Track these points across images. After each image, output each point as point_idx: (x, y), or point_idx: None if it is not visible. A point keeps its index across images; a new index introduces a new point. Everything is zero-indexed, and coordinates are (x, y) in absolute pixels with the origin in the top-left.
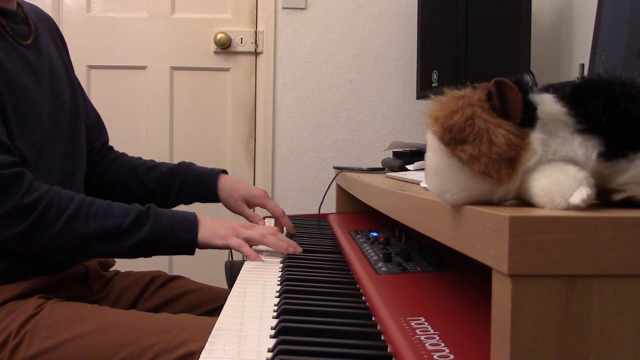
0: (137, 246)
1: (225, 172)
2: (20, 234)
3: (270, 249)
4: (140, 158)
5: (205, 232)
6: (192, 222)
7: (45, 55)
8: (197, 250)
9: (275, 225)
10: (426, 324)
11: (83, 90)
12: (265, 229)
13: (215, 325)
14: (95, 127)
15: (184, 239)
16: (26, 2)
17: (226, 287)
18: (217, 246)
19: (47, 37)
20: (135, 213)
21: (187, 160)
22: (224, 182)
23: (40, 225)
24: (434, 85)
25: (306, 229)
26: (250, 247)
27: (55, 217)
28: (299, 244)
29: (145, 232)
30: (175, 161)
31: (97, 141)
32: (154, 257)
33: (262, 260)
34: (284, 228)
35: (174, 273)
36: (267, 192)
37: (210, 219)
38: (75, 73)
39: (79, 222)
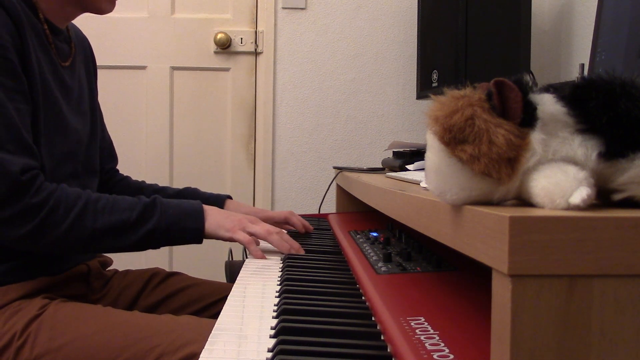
0: (145, 238)
1: (230, 197)
2: (30, 233)
3: (271, 247)
4: (144, 182)
5: (211, 222)
6: (198, 212)
7: (77, 77)
8: (196, 248)
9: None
10: (426, 324)
11: (102, 115)
12: (271, 227)
13: (215, 325)
14: (108, 151)
15: (192, 229)
16: (71, 22)
17: None
18: (223, 238)
19: (81, 59)
20: (142, 206)
21: (187, 161)
22: (229, 206)
23: (49, 223)
24: (434, 85)
25: None
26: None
27: (64, 215)
28: (299, 243)
29: (152, 224)
30: (175, 161)
31: (107, 164)
32: (152, 255)
33: (267, 259)
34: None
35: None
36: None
37: (217, 209)
38: None
39: (87, 219)
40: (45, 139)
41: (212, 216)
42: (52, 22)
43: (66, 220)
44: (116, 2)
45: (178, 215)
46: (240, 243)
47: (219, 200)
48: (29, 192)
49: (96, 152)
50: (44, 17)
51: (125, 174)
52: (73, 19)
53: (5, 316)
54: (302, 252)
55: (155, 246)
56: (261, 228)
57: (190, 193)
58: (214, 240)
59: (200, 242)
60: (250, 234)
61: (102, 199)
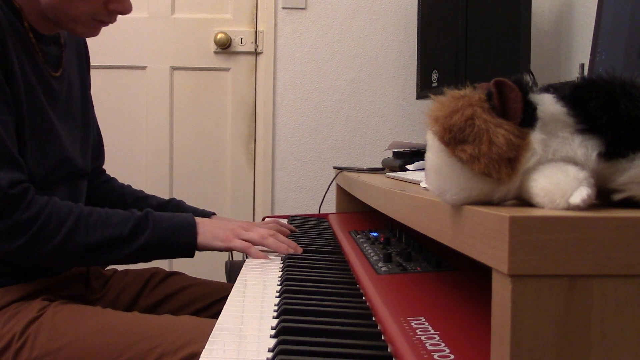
0: (137, 253)
1: (215, 214)
2: (21, 248)
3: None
4: (130, 186)
5: (205, 235)
6: (191, 226)
7: (66, 79)
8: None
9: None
10: (426, 324)
11: (94, 109)
12: (264, 230)
13: (215, 325)
14: (95, 148)
15: (184, 243)
16: None
17: None
18: (219, 249)
19: (72, 56)
20: (134, 220)
21: (187, 161)
22: None
23: (41, 238)
24: (434, 85)
25: (306, 229)
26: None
27: (55, 230)
28: (299, 244)
29: (145, 238)
30: (175, 161)
31: (93, 162)
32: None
33: (270, 258)
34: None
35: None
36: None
37: (209, 220)
38: None
39: (79, 233)
40: (33, 148)
41: (205, 228)
42: (38, 30)
43: (57, 235)
44: (102, 28)
45: (170, 229)
46: (239, 251)
47: (203, 215)
48: (20, 206)
49: (88, 156)
50: (29, 24)
51: (123, 175)
52: (57, 31)
53: (4, 318)
54: (300, 251)
55: (147, 259)
56: (255, 233)
57: (174, 206)
58: None
59: (191, 256)
60: (246, 241)
61: (94, 213)
